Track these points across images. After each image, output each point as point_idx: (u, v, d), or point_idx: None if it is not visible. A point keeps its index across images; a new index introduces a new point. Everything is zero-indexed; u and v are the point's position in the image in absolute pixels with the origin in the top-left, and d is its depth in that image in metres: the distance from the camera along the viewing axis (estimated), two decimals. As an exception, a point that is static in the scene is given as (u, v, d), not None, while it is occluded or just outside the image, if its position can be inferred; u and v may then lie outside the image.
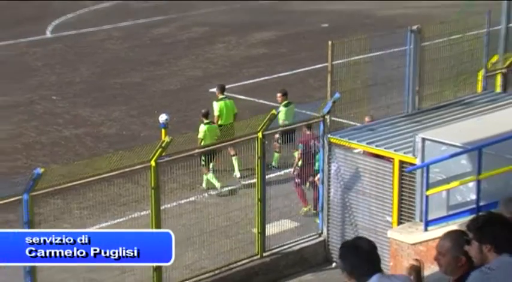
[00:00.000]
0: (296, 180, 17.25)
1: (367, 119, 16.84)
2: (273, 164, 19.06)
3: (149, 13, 35.01)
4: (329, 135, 15.89)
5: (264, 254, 15.67)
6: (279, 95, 19.84)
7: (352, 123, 17.44)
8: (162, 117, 19.31)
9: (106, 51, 29.80)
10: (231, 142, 16.75)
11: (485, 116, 16.08)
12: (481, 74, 18.01)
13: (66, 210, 15.34)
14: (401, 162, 15.00)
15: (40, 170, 12.89)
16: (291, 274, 15.76)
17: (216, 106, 19.76)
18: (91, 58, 28.86)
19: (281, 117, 18.76)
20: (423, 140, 14.48)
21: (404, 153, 15.00)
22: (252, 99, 23.83)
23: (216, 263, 15.25)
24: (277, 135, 17.85)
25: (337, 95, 15.84)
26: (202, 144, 18.19)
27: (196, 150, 18.24)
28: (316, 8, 36.09)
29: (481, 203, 13.66)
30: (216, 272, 15.15)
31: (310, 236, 16.33)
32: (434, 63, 17.41)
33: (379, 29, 26.24)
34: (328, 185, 16.07)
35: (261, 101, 23.44)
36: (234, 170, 18.86)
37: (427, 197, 14.14)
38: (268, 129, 15.83)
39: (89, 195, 15.06)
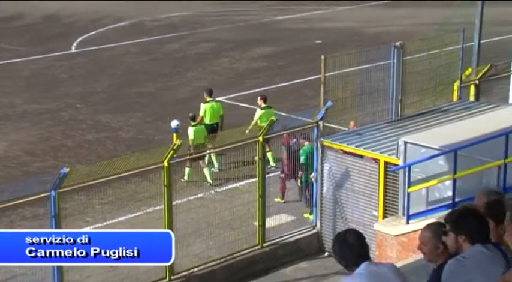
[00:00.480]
0: (281, 175, 17.50)
1: (352, 123, 16.87)
2: (272, 163, 19.07)
3: (162, 31, 35.02)
4: (322, 139, 15.88)
5: (264, 245, 15.65)
6: (258, 98, 20.06)
7: (342, 128, 17.43)
8: (174, 123, 19.33)
9: (124, 64, 29.79)
10: (236, 145, 16.76)
11: (460, 122, 16.07)
12: (456, 85, 18.00)
13: (89, 205, 15.32)
14: (386, 163, 14.99)
15: (66, 170, 12.88)
16: (288, 262, 15.74)
17: (202, 107, 19.87)
18: (111, 70, 28.87)
19: (256, 118, 19.20)
20: (405, 143, 14.47)
21: (389, 155, 14.99)
22: (253, 107, 23.70)
23: (222, 252, 15.22)
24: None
25: (329, 103, 15.84)
26: (194, 144, 18.24)
27: (208, 151, 18.29)
28: (310, 26, 36.11)
29: (457, 199, 13.64)
30: (222, 260, 15.13)
31: (305, 229, 16.31)
32: (415, 75, 17.41)
33: (366, 45, 26.22)
34: (321, 183, 16.06)
35: (261, 108, 23.41)
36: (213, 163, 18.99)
37: (408, 193, 14.12)
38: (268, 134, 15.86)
39: (109, 192, 15.04)
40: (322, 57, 15.96)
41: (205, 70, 28.71)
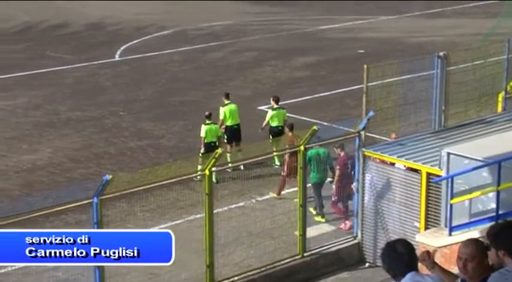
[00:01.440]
0: (282, 173, 17.79)
1: (393, 135, 16.77)
2: (277, 162, 19.43)
3: (205, 39, 35.18)
4: (364, 149, 15.80)
5: (305, 254, 15.61)
6: (271, 99, 20.77)
7: (384, 138, 17.34)
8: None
9: (167, 72, 29.98)
10: (278, 153, 16.90)
11: (504, 133, 15.89)
12: (501, 96, 17.83)
13: (131, 213, 15.39)
14: (429, 174, 14.87)
15: (108, 177, 12.96)
16: (328, 272, 15.67)
17: (221, 111, 20.35)
18: (154, 79, 29.06)
19: (267, 118, 20.07)
20: (448, 154, 14.34)
21: (431, 166, 14.87)
22: (295, 116, 23.71)
23: (262, 261, 15.22)
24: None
25: (371, 113, 15.76)
26: (205, 141, 19.09)
27: (243, 162, 18.27)
28: (353, 36, 36.00)
29: (500, 211, 13.49)
30: (262, 269, 15.11)
31: (346, 239, 16.23)
32: (458, 85, 17.27)
33: (409, 54, 26.08)
34: (363, 193, 15.98)
35: (303, 117, 23.36)
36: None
37: (451, 205, 13.99)
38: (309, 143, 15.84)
39: (151, 199, 15.15)
40: (365, 66, 15.91)
41: (247, 79, 28.76)
